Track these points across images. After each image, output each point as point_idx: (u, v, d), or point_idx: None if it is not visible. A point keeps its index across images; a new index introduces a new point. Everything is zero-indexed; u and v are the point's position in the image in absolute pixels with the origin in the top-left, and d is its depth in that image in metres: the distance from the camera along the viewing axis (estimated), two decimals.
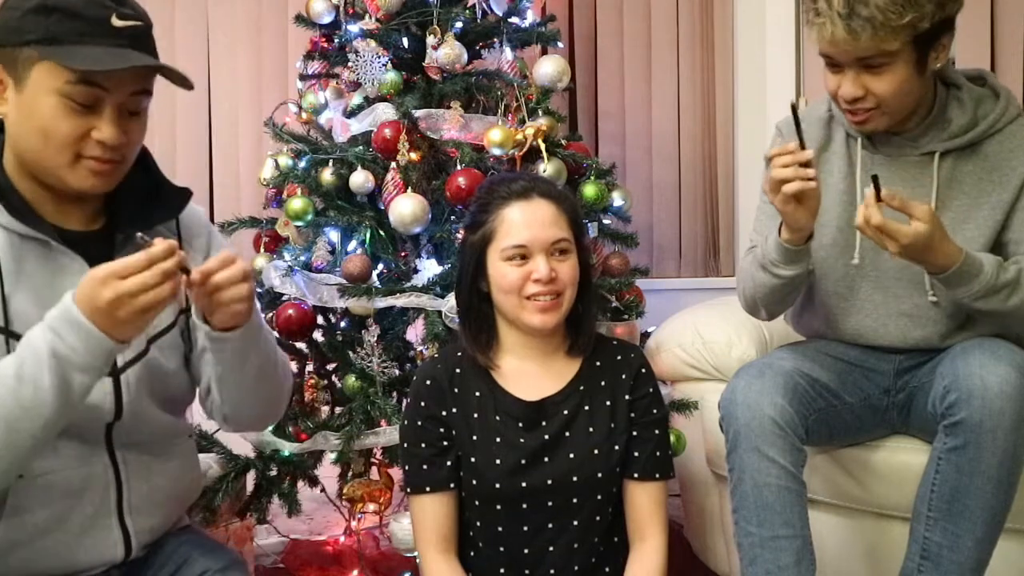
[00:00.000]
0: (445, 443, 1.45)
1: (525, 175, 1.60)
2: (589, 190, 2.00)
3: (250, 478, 1.99)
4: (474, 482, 1.43)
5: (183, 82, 1.17)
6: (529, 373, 1.48)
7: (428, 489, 1.44)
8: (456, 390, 1.47)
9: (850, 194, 1.64)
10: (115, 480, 1.20)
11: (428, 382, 1.47)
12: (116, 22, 1.11)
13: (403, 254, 2.04)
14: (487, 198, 1.46)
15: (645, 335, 2.19)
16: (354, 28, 2.11)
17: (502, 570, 1.45)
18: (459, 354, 1.50)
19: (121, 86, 1.12)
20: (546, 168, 1.93)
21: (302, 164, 2.11)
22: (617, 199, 2.10)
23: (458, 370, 1.48)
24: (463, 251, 1.49)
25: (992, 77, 1.63)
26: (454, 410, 1.46)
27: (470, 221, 1.48)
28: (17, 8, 1.11)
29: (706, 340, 2.02)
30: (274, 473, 1.99)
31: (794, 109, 1.47)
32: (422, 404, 1.46)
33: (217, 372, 1.23)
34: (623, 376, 1.48)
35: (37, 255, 1.15)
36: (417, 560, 1.81)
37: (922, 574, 1.44)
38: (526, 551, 1.44)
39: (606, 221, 2.11)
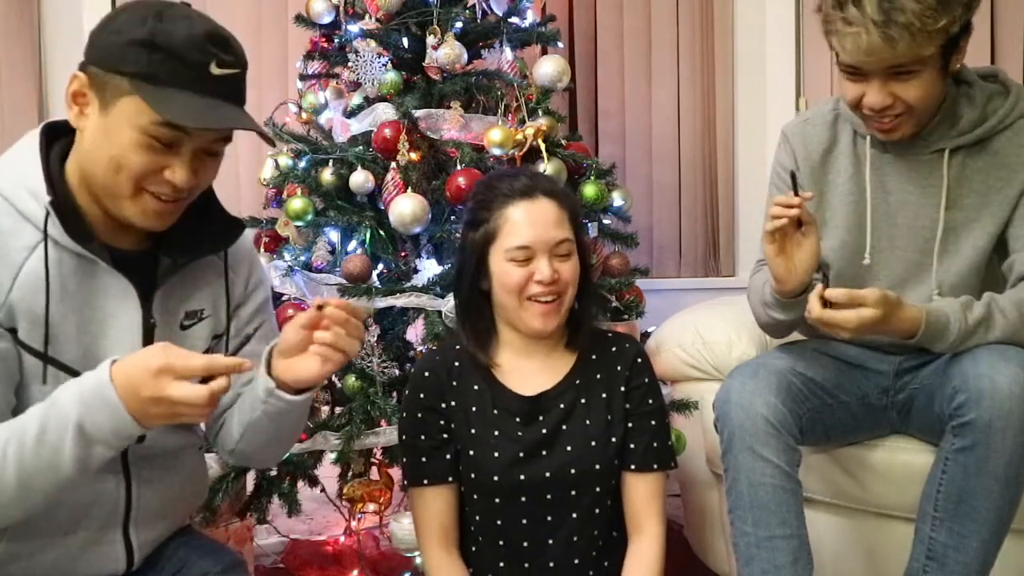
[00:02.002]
0: (444, 436, 1.45)
1: (525, 171, 1.60)
2: (589, 190, 2.00)
3: (250, 478, 1.99)
4: (473, 476, 1.44)
5: (265, 138, 1.18)
6: (527, 368, 1.48)
7: (426, 482, 1.44)
8: (455, 383, 1.47)
9: (857, 194, 1.62)
10: (125, 496, 1.19)
11: (427, 374, 1.48)
12: (215, 70, 1.10)
13: (403, 254, 2.04)
14: (488, 195, 1.46)
15: (645, 335, 2.20)
16: (354, 28, 2.11)
17: (502, 564, 1.45)
18: (457, 347, 1.51)
19: (204, 134, 1.12)
20: (546, 168, 1.93)
21: (302, 164, 2.11)
22: (617, 199, 2.10)
23: (457, 363, 1.48)
24: (463, 248, 1.49)
25: (1004, 74, 1.61)
26: (453, 403, 1.46)
27: (471, 218, 1.48)
28: (121, 34, 1.08)
29: (706, 340, 2.02)
30: (274, 473, 1.98)
31: (793, 177, 1.49)
32: (421, 396, 1.46)
33: (252, 417, 1.22)
34: (619, 368, 1.48)
35: (84, 274, 1.13)
36: (417, 559, 1.81)
37: (927, 575, 1.43)
38: (525, 544, 1.44)
39: (606, 221, 2.11)
